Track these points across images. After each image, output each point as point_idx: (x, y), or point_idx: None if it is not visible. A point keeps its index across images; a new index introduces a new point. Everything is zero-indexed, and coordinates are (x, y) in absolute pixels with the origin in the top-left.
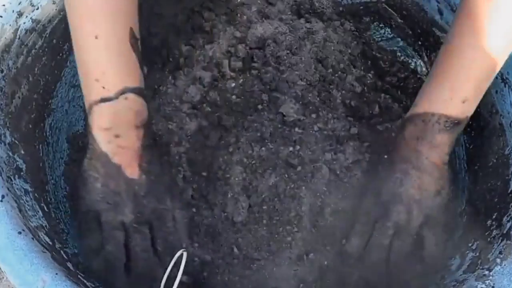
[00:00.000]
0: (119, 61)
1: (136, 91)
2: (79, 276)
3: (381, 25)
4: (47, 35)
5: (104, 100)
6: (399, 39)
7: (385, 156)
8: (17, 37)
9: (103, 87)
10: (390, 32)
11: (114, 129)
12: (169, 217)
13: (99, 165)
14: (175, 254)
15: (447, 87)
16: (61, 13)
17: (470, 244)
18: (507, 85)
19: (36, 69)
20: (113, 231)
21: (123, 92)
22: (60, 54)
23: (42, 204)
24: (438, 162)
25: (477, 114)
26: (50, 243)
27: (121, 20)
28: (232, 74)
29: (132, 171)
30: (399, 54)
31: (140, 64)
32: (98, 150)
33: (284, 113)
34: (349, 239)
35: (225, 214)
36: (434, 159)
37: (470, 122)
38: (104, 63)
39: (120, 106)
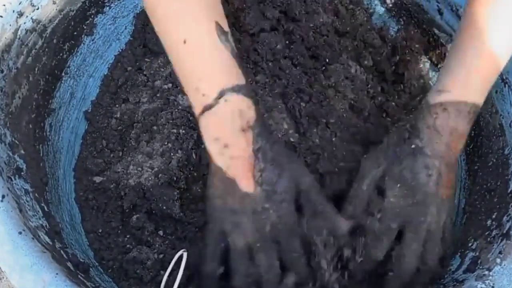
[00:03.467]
0: (212, 62)
1: (236, 89)
2: (79, 276)
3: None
4: (47, 35)
5: (206, 108)
6: None
7: (412, 146)
8: (17, 37)
9: (203, 95)
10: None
11: (222, 139)
12: (293, 232)
13: (216, 181)
14: (303, 275)
15: (479, 74)
16: (61, 13)
17: (470, 244)
18: (507, 85)
19: (36, 69)
20: (239, 260)
21: (221, 94)
22: (60, 54)
23: (42, 204)
24: (456, 155)
25: (477, 114)
26: (50, 243)
27: (204, 17)
28: None
29: (247, 183)
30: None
31: (236, 59)
32: (213, 165)
33: None
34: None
35: None
36: (458, 152)
37: None
38: (197, 67)
39: (221, 111)
